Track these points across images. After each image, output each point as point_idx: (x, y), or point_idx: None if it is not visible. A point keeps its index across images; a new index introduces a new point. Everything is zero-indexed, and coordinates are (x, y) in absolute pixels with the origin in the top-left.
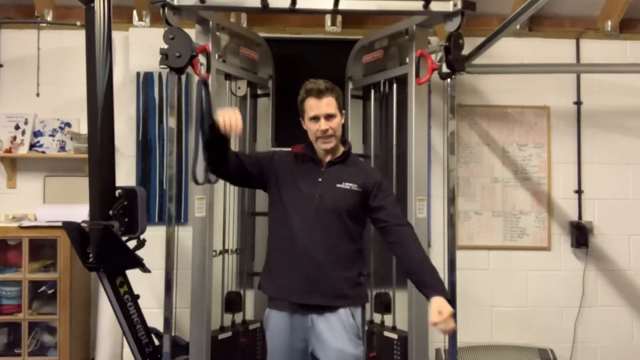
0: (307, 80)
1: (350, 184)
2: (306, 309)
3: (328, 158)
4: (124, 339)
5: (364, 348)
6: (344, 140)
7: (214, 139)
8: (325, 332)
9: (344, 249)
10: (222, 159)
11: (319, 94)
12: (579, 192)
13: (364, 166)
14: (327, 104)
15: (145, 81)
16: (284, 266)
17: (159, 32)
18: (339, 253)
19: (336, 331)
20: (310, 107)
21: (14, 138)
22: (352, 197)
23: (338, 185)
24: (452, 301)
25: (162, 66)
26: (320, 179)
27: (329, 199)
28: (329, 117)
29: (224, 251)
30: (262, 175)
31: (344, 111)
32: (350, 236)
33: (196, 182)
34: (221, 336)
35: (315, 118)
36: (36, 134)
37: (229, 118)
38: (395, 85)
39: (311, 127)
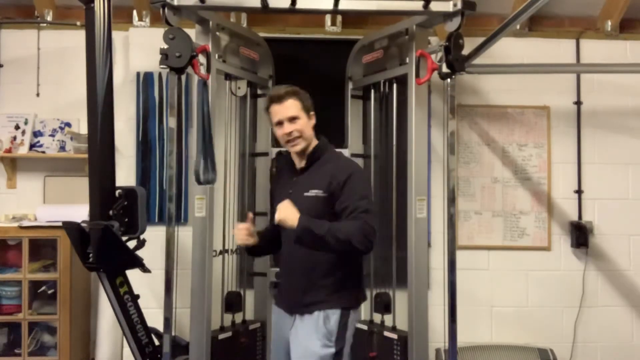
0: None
1: (317, 190)
2: (292, 309)
3: (302, 164)
4: (124, 339)
5: (334, 350)
6: (319, 138)
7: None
8: (299, 330)
9: (320, 256)
10: (269, 248)
11: (279, 99)
12: (579, 192)
13: (335, 164)
14: (288, 106)
15: (145, 81)
16: (280, 270)
17: (159, 32)
18: (315, 261)
19: (306, 330)
20: (273, 113)
21: (14, 138)
22: (318, 204)
23: (305, 194)
24: (452, 301)
25: (162, 66)
26: (290, 191)
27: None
28: (292, 119)
29: (224, 251)
30: None
31: (312, 113)
32: None
33: (199, 183)
34: (221, 336)
35: (280, 123)
36: (36, 134)
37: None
38: (395, 85)
39: (278, 133)
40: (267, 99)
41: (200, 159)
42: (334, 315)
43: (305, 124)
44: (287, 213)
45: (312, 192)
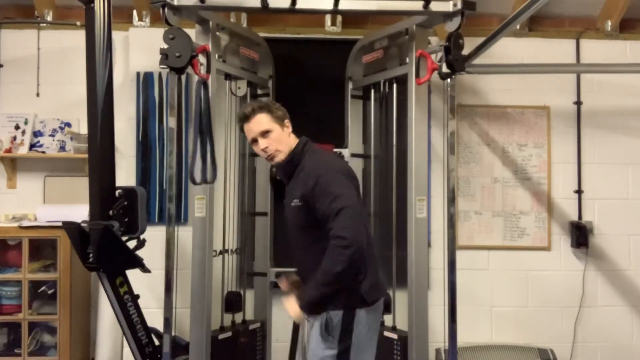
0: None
1: (295, 200)
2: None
3: (288, 174)
4: (124, 339)
5: (336, 351)
6: (300, 139)
7: None
8: (310, 330)
9: (314, 263)
10: None
11: (247, 117)
12: (579, 192)
13: (306, 170)
14: (257, 122)
15: (145, 81)
16: None
17: (159, 32)
18: (311, 267)
19: (313, 332)
20: (246, 132)
21: (14, 138)
22: (300, 212)
23: (292, 204)
24: (452, 301)
25: (162, 66)
26: (285, 200)
27: (288, 219)
28: (264, 134)
29: (224, 251)
30: None
31: (287, 121)
32: (321, 248)
33: (194, 182)
34: (221, 336)
35: (254, 140)
36: (36, 134)
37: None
38: (395, 85)
39: (256, 150)
40: (237, 120)
41: (195, 158)
42: (337, 316)
43: (280, 135)
44: (291, 309)
45: (294, 202)
